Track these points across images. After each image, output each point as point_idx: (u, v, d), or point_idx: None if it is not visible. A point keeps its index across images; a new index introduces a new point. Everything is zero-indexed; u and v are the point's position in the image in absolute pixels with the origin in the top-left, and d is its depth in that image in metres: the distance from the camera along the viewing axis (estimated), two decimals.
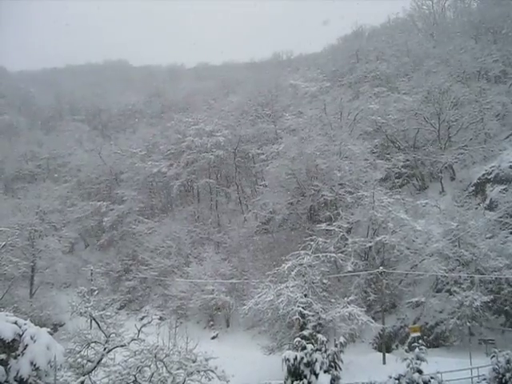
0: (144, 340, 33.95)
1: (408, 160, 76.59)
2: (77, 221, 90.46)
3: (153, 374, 32.66)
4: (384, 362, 48.36)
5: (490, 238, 57.83)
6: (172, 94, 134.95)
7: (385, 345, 51.97)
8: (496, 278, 54.83)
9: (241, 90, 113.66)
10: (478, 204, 64.07)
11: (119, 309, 67.89)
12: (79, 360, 32.84)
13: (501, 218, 60.90)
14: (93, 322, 35.44)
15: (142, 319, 57.69)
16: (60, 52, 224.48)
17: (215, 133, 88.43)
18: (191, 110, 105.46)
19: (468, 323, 51.49)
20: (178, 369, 33.40)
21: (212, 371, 32.70)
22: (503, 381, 18.24)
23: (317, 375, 19.38)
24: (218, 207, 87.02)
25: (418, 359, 19.82)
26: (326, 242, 58.46)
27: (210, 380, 33.48)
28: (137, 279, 77.19)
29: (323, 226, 61.74)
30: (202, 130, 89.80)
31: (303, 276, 52.42)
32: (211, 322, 68.22)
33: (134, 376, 31.91)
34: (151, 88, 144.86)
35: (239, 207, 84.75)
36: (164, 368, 33.03)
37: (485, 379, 20.16)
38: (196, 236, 79.80)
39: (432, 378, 20.03)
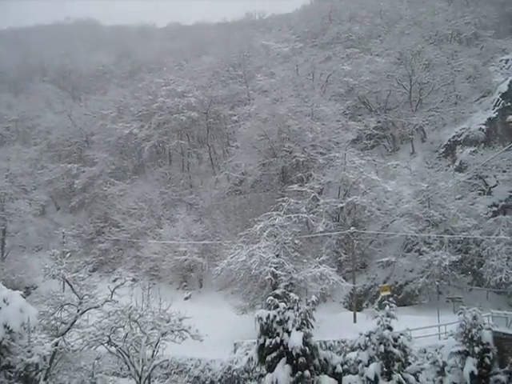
0: (117, 301, 34.20)
1: (379, 122, 76.93)
2: (47, 183, 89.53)
3: (127, 334, 32.99)
4: (355, 321, 49.18)
5: (459, 199, 58.73)
6: (143, 55, 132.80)
7: (355, 304, 52.84)
8: (464, 238, 55.88)
9: (213, 51, 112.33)
10: (448, 165, 64.87)
11: (92, 271, 67.57)
12: (53, 322, 33.02)
13: (470, 179, 61.82)
14: (66, 284, 35.54)
15: (114, 281, 58.02)
16: (28, 11, 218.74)
17: (187, 94, 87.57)
18: (163, 71, 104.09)
19: (437, 282, 52.61)
20: (151, 329, 33.78)
21: (186, 331, 33.15)
22: (469, 336, 18.82)
23: (289, 333, 19.77)
24: (190, 168, 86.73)
25: (388, 317, 20.30)
26: (297, 203, 58.89)
27: (183, 339, 33.96)
28: (109, 241, 77.01)
29: (295, 187, 62.07)
30: (174, 91, 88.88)
31: (275, 237, 52.80)
32: (184, 283, 68.59)
33: (108, 337, 32.20)
34: (122, 48, 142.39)
35: (211, 168, 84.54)
36: (138, 328, 33.37)
37: (452, 335, 20.71)
38: (168, 197, 79.62)
39: (401, 334, 20.54)
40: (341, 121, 72.14)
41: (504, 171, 62.02)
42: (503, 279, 51.67)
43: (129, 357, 33.25)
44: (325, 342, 21.02)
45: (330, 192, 63.16)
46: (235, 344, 46.37)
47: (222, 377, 44.53)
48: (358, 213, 59.98)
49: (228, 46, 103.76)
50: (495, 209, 59.72)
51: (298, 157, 66.81)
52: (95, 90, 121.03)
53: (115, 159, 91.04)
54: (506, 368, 20.27)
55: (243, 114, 79.05)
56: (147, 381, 33.34)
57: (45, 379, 30.70)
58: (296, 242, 54.02)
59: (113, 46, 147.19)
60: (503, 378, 19.00)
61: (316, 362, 20.42)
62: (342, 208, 59.91)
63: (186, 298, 64.74)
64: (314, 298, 21.81)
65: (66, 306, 34.09)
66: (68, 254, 38.13)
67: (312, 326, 20.71)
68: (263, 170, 71.01)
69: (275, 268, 49.47)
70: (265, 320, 20.23)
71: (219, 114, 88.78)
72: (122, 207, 78.12)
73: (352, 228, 54.73)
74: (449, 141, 69.01)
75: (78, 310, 33.11)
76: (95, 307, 33.57)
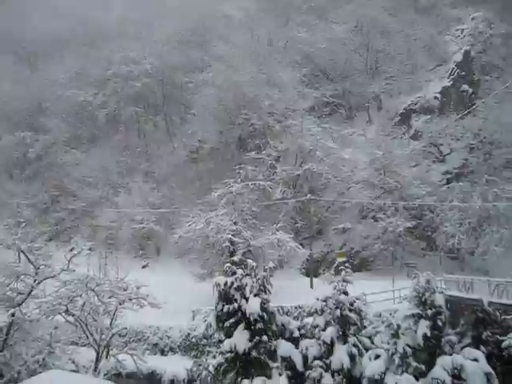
0: (74, 270, 33.90)
1: (336, 89, 77.07)
2: (1, 152, 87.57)
3: (84, 303, 32.83)
4: (312, 286, 49.87)
5: (413, 166, 59.75)
6: (100, 21, 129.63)
7: (312, 270, 53.55)
8: (419, 205, 56.95)
9: (170, 17, 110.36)
10: (403, 133, 65.77)
11: (48, 240, 66.72)
12: (9, 293, 32.55)
13: (424, 147, 62.81)
14: (21, 254, 35.00)
15: (71, 250, 57.20)
16: None
17: (143, 60, 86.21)
18: (119, 38, 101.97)
19: (391, 248, 53.63)
20: (109, 297, 33.67)
21: (144, 299, 33.15)
22: (423, 299, 19.26)
23: (247, 299, 19.95)
24: (146, 136, 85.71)
25: (344, 282, 20.67)
26: (254, 171, 59.08)
27: (142, 307, 33.95)
28: (65, 211, 76.00)
29: (252, 154, 62.15)
30: (129, 58, 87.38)
31: (232, 204, 52.97)
32: (141, 252, 68.35)
33: (66, 306, 32.00)
34: (79, 15, 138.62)
35: (167, 136, 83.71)
36: (95, 297, 33.21)
37: (406, 299, 21.22)
38: (124, 166, 78.73)
39: (357, 299, 20.95)
40: (298, 88, 72.11)
41: (458, 139, 63.19)
42: (456, 244, 52.99)
43: (87, 326, 33.16)
44: (282, 308, 21.36)
45: (287, 159, 63.34)
46: (194, 311, 46.60)
47: (180, 343, 44.78)
48: (315, 180, 60.39)
49: (186, 13, 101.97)
50: (449, 176, 60.96)
51: (254, 124, 66.74)
52: (52, 58, 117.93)
53: (70, 127, 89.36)
54: (457, 329, 20.93)
55: (200, 81, 78.24)
56: (106, 349, 33.35)
57: (1, 350, 30.47)
58: (253, 209, 54.34)
59: (70, 12, 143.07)
60: (454, 338, 19.60)
61: (274, 327, 20.69)
62: (298, 175, 60.27)
63: (144, 267, 64.55)
64: (271, 264, 22.00)
65: (22, 277, 33.62)
66: (23, 224, 37.58)
67: (269, 292, 20.92)
68: (220, 138, 70.74)
69: (233, 235, 49.71)
70: (223, 287, 20.35)
71: (176, 81, 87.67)
72: (77, 176, 77.04)
73: (309, 195, 55.20)
74: (404, 109, 69.70)
75: (35, 280, 32.74)
76: (52, 277, 33.24)
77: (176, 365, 37.72)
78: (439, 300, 19.31)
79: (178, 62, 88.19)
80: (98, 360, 32.77)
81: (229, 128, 69.31)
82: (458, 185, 56.74)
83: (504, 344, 18.94)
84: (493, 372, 17.94)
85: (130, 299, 33.89)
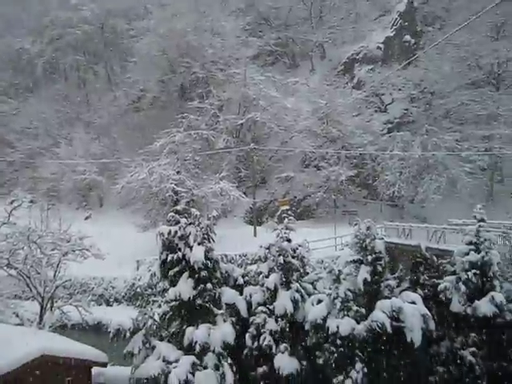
0: (15, 223, 33.23)
1: (280, 38, 76.61)
2: None
3: (26, 256, 32.29)
4: (255, 235, 50.38)
5: (356, 116, 60.29)
6: None
7: (256, 218, 53.95)
8: (360, 154, 57.75)
9: None
10: (346, 83, 66.05)
11: None
12: None
13: (367, 96, 63.31)
14: None
15: (11, 203, 55.96)
16: None
17: (81, 6, 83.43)
18: None
19: (333, 196, 54.42)
20: (52, 249, 33.21)
21: (87, 250, 32.85)
22: (363, 246, 19.71)
23: (191, 248, 20.01)
24: (87, 85, 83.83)
25: (286, 229, 20.89)
26: (197, 120, 58.68)
27: (85, 258, 33.67)
28: (3, 162, 74.13)
29: (195, 103, 61.59)
30: (68, 4, 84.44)
31: (175, 153, 52.70)
32: (84, 203, 67.61)
33: (7, 259, 31.43)
34: None
35: (108, 85, 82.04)
36: (38, 250, 32.73)
37: (347, 245, 21.69)
38: (64, 116, 77.09)
39: (300, 246, 21.25)
40: (241, 37, 71.45)
41: (399, 89, 63.91)
42: (396, 193, 54.13)
43: (30, 279, 32.72)
44: (226, 256, 21.56)
45: (230, 109, 63.04)
46: (138, 261, 46.66)
47: (125, 294, 44.94)
48: (258, 129, 60.45)
49: None
50: (390, 125, 61.84)
51: (197, 73, 65.97)
52: None
53: (7, 75, 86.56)
54: (396, 274, 21.56)
55: (141, 28, 76.48)
56: (50, 302, 33.10)
57: None
58: (196, 158, 54.22)
59: None
60: (393, 283, 20.20)
61: (218, 274, 20.87)
62: (241, 124, 60.19)
63: (87, 218, 63.94)
64: (214, 212, 22.02)
65: None
66: None
67: (213, 241, 21.02)
68: (162, 87, 69.80)
69: (176, 185, 49.59)
70: (166, 236, 20.32)
71: (116, 28, 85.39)
72: (15, 127, 75.02)
73: (252, 144, 55.23)
74: (347, 58, 69.82)
75: None
76: None
77: (121, 315, 37.87)
78: (379, 246, 19.79)
79: (118, 9, 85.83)
80: (42, 313, 32.49)
81: (171, 77, 68.38)
82: (398, 134, 57.59)
83: (440, 287, 19.62)
84: (429, 313, 18.62)
85: (74, 251, 33.53)
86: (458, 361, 18.90)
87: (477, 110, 58.49)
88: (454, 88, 61.01)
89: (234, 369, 19.32)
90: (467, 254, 19.59)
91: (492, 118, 57.98)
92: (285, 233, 20.93)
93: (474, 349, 18.66)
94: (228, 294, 20.69)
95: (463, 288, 19.10)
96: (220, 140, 57.56)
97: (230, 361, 19.30)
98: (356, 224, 20.70)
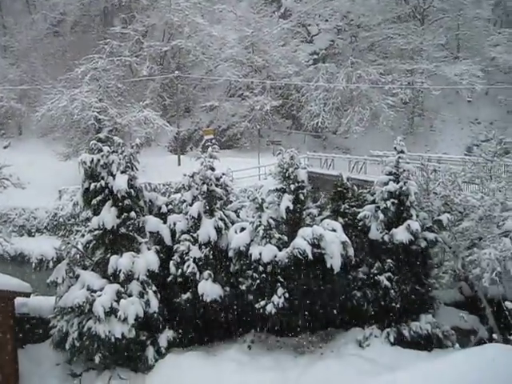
0: None
1: None
2: None
3: None
4: (179, 164, 50.29)
5: (282, 45, 59.98)
6: None
7: (180, 147, 53.76)
8: (285, 84, 57.91)
9: None
10: (273, 12, 65.24)
11: None
12: None
13: (294, 27, 62.95)
14: None
15: None
16: None
17: None
18: None
19: (258, 126, 54.66)
20: None
21: (6, 179, 31.93)
22: (287, 175, 19.97)
23: (114, 176, 19.77)
24: (2, 8, 79.52)
25: (210, 158, 20.89)
26: (120, 46, 57.02)
27: (5, 188, 32.79)
28: None
29: (117, 29, 59.69)
30: None
31: (98, 80, 51.32)
32: (2, 131, 65.05)
33: None
34: None
35: (26, 7, 78.10)
36: None
37: (270, 174, 21.90)
38: None
39: (224, 174, 21.33)
40: None
41: (326, 20, 63.80)
42: (320, 124, 54.81)
43: None
44: (150, 185, 21.36)
45: (154, 35, 61.48)
46: (60, 191, 45.83)
47: (48, 224, 44.23)
48: (183, 57, 59.50)
49: None
50: (316, 57, 61.93)
51: None
52: None
53: None
54: (318, 203, 22.08)
55: None
56: None
57: None
58: (119, 86, 53.02)
59: None
60: (314, 211, 20.69)
61: (141, 203, 20.79)
62: (166, 52, 59.05)
63: (6, 147, 61.69)
64: (138, 141, 21.71)
65: None
66: None
67: (137, 169, 20.82)
68: (83, 11, 66.98)
69: (98, 113, 48.61)
70: (89, 164, 19.96)
71: None
72: None
73: (176, 72, 54.48)
74: None
75: None
76: None
77: (44, 245, 37.42)
78: (302, 176, 20.10)
79: None
80: None
81: (93, 0, 65.67)
82: (324, 65, 57.87)
83: (360, 215, 20.20)
84: (348, 240, 19.22)
85: None
86: (375, 285, 19.75)
87: (401, 44, 59.25)
88: (379, 21, 61.42)
89: (159, 296, 19.54)
90: (386, 184, 20.15)
91: (415, 52, 58.97)
92: (209, 161, 20.91)
93: (389, 274, 19.50)
94: (152, 223, 20.70)
95: (381, 216, 19.74)
96: (144, 67, 56.24)
97: (154, 288, 19.49)
98: (279, 153, 20.88)
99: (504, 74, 60.66)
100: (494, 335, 13.50)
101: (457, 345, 18.69)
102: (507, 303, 9.01)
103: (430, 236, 19.86)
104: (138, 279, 19.28)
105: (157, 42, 59.12)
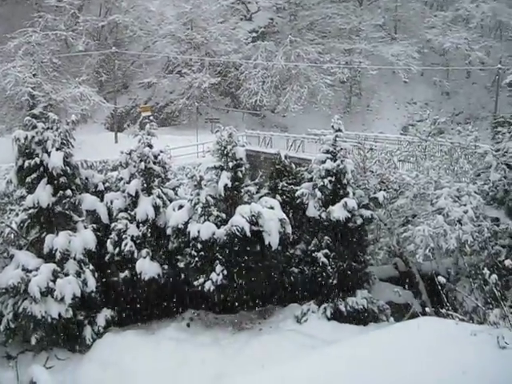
0: None
1: None
2: None
3: None
4: (116, 141, 49.52)
5: (221, 22, 59.50)
6: None
7: (117, 124, 52.94)
8: (224, 62, 57.59)
9: None
10: None
11: None
12: None
13: (232, 3, 62.52)
14: None
15: None
16: None
17: None
18: None
19: (196, 103, 54.30)
20: None
21: None
22: (225, 152, 19.95)
23: (49, 153, 19.33)
24: None
25: (148, 135, 20.67)
26: (55, 20, 55.35)
27: None
28: None
29: (52, 1, 57.70)
30: None
31: (32, 55, 49.82)
32: None
33: None
34: None
35: None
36: None
37: (209, 151, 21.83)
38: None
39: (161, 151, 21.14)
40: None
41: None
42: (258, 102, 54.94)
43: None
44: (86, 162, 20.95)
45: (90, 9, 59.94)
46: None
47: None
48: (120, 32, 58.43)
49: None
50: (255, 34, 61.75)
51: None
52: None
53: None
54: (256, 181, 22.22)
55: None
56: None
57: None
58: (55, 61, 51.62)
59: None
60: (253, 189, 20.79)
61: (77, 181, 20.41)
62: (103, 27, 57.81)
63: None
64: (74, 117, 21.27)
65: None
66: None
67: (73, 146, 20.41)
68: None
69: (32, 88, 47.21)
70: (23, 141, 19.44)
71: None
72: None
73: (113, 48, 53.48)
74: None
75: None
76: None
77: None
78: (240, 153, 20.12)
79: None
80: None
81: None
82: (263, 43, 57.85)
83: (297, 193, 20.39)
84: (286, 218, 19.43)
85: None
86: (312, 262, 20.06)
87: (340, 23, 59.80)
88: (319, 0, 61.73)
89: (96, 275, 19.36)
90: (324, 162, 20.36)
91: (354, 32, 59.63)
92: (146, 139, 20.70)
93: (326, 251, 19.83)
94: (88, 201, 20.39)
95: (319, 194, 19.99)
96: (80, 42, 54.85)
97: (91, 267, 19.28)
98: (218, 131, 20.83)
99: (439, 55, 62.09)
100: (427, 309, 13.90)
101: (391, 319, 19.31)
102: (440, 278, 9.27)
103: (366, 213, 20.26)
104: (74, 258, 19.03)
105: (93, 16, 57.67)
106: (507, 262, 10.00)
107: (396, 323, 11.00)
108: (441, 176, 20.93)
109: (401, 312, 20.01)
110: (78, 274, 18.83)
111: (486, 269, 9.65)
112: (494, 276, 8.77)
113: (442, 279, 9.36)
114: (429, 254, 18.73)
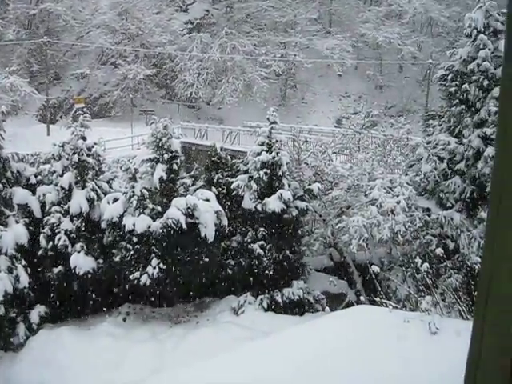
0: None
1: None
2: None
3: None
4: (48, 133, 48.41)
5: (156, 13, 58.94)
6: None
7: (49, 116, 51.79)
8: (159, 53, 57.08)
9: None
10: None
11: None
12: None
13: None
14: None
15: None
16: None
17: None
18: None
19: (131, 95, 53.54)
20: None
21: None
22: (160, 145, 19.80)
23: None
24: None
25: (82, 127, 20.32)
26: None
27: None
28: None
29: None
30: None
31: None
32: None
33: None
34: None
35: None
36: None
37: (143, 144, 21.64)
38: None
39: (95, 144, 20.83)
40: None
41: None
42: (193, 94, 54.65)
43: None
44: (17, 155, 20.42)
45: None
46: None
47: None
48: (52, 21, 57.00)
49: None
50: (190, 26, 61.34)
51: None
52: None
53: None
54: (192, 173, 22.17)
55: None
56: None
57: None
58: None
59: None
60: (188, 181, 20.81)
61: (8, 174, 19.90)
62: (34, 15, 56.31)
63: None
64: (3, 108, 20.74)
65: None
66: None
67: (3, 139, 19.89)
68: None
69: None
70: None
71: None
72: None
73: (45, 37, 52.20)
74: None
75: None
76: None
77: None
78: (175, 145, 20.03)
79: None
80: None
81: None
82: (199, 35, 57.52)
83: (233, 185, 20.44)
84: (222, 210, 19.47)
85: None
86: (248, 253, 20.17)
87: (275, 16, 60.07)
88: None
89: (29, 270, 18.91)
90: (259, 154, 20.47)
91: (289, 25, 60.03)
92: (80, 131, 20.34)
93: (262, 242, 19.98)
94: (20, 195, 19.91)
95: (254, 186, 20.09)
96: (10, 31, 53.33)
97: (24, 262, 18.82)
98: (153, 123, 20.67)
99: (373, 50, 63.18)
100: (362, 298, 14.18)
101: (327, 308, 19.58)
102: (373, 267, 9.51)
103: (302, 205, 20.48)
104: (5, 254, 18.53)
105: (24, 4, 56.16)
106: (438, 251, 10.31)
107: (332, 312, 11.18)
108: (374, 168, 21.36)
109: (336, 301, 20.31)
110: (10, 270, 18.34)
111: (418, 258, 9.95)
112: (426, 265, 9.07)
113: (375, 268, 9.59)
114: (363, 244, 19.10)
